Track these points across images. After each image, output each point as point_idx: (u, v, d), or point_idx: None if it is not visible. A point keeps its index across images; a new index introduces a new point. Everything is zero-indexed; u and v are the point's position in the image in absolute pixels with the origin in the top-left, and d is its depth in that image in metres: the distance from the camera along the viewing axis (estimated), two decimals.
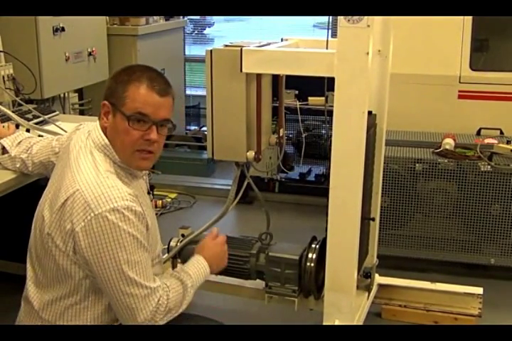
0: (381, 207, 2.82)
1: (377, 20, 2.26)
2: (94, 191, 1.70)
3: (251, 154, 2.38)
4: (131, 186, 1.82)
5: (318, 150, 4.31)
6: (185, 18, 5.70)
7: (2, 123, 2.46)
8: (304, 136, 4.24)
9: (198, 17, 6.72)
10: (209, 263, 2.00)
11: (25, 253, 1.91)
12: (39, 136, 2.45)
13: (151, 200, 2.05)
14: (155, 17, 4.95)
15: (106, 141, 1.82)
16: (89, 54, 4.10)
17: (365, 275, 2.69)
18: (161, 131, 1.83)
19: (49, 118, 2.86)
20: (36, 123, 2.73)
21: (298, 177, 4.47)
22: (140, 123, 1.79)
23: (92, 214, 1.68)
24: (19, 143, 2.22)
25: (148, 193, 2.02)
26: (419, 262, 3.30)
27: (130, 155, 1.81)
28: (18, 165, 2.19)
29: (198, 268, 1.97)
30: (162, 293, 1.79)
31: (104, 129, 1.85)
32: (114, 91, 1.81)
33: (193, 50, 6.40)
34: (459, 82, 3.53)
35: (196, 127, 6.16)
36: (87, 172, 1.75)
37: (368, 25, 2.03)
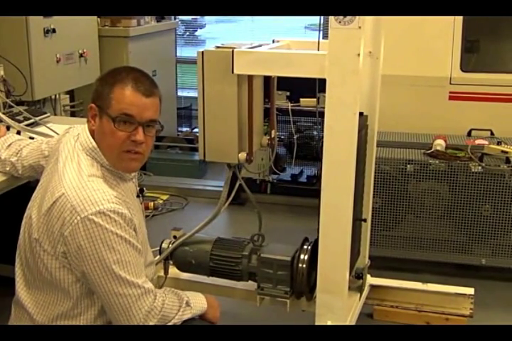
0: (373, 208, 2.82)
1: (368, 21, 2.27)
2: (80, 194, 1.70)
3: (243, 155, 2.38)
4: (119, 189, 1.82)
5: (310, 151, 4.31)
6: (177, 20, 5.70)
7: None
8: (295, 137, 4.25)
9: (189, 18, 6.72)
10: (208, 306, 1.99)
11: (15, 255, 1.91)
12: (30, 138, 2.44)
13: (141, 203, 2.04)
14: (146, 18, 4.94)
15: (94, 144, 1.82)
16: (81, 55, 4.09)
17: (357, 276, 2.69)
18: (148, 132, 1.82)
19: (40, 120, 2.85)
20: (27, 125, 2.72)
21: (290, 179, 4.48)
22: (126, 124, 1.78)
23: (79, 218, 1.68)
24: (9, 145, 2.21)
25: (138, 196, 2.01)
26: (411, 263, 3.31)
27: (117, 157, 1.81)
28: (8, 169, 2.18)
29: (198, 300, 1.96)
30: (158, 296, 1.79)
31: (92, 132, 1.84)
32: (100, 93, 1.81)
33: (185, 52, 6.40)
34: (450, 84, 3.55)
35: (188, 129, 6.16)
36: (72, 176, 1.75)
37: (359, 27, 2.04)
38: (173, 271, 2.64)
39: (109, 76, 1.83)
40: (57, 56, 3.84)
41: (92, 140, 1.83)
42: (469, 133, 3.51)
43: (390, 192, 3.19)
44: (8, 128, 2.52)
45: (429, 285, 2.92)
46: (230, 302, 2.81)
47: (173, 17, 5.56)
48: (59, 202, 1.71)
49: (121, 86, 1.78)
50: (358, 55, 2.06)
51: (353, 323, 2.53)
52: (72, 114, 4.54)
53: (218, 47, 2.36)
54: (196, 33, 7.07)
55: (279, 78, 2.63)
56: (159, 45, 5.28)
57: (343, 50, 2.07)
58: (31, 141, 2.24)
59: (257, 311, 2.79)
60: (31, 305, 1.83)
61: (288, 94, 4.18)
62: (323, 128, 2.18)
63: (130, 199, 1.87)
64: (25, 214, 1.87)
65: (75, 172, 1.76)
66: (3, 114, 2.72)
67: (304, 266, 2.40)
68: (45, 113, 3.04)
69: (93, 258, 1.69)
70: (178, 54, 6.04)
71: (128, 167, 1.85)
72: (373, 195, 2.78)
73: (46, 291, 1.81)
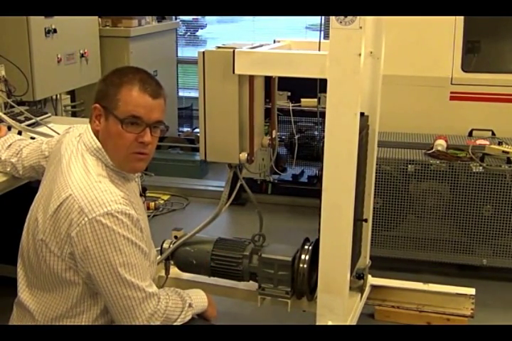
0: (374, 208, 2.82)
1: (369, 21, 2.27)
2: (87, 195, 1.70)
3: (243, 156, 2.38)
4: (124, 189, 1.82)
5: (311, 151, 4.31)
6: (178, 20, 5.71)
7: None
8: (296, 137, 4.25)
9: (190, 18, 6.73)
10: (208, 303, 2.01)
11: (17, 255, 1.91)
12: (31, 138, 2.44)
13: (144, 202, 2.04)
14: (147, 19, 4.95)
15: (98, 144, 1.81)
16: (82, 56, 4.10)
17: (357, 277, 2.69)
18: (154, 133, 1.83)
19: (41, 120, 2.85)
20: (28, 125, 2.72)
21: (291, 179, 4.48)
22: (133, 126, 1.78)
23: (86, 219, 1.67)
24: (9, 146, 2.20)
25: (141, 195, 2.02)
26: (412, 263, 3.31)
27: (124, 158, 1.81)
28: (8, 169, 2.18)
29: (199, 299, 1.97)
30: (162, 298, 1.79)
31: (95, 132, 1.83)
32: (105, 94, 1.80)
33: (186, 52, 6.41)
34: (451, 84, 3.55)
35: (189, 129, 6.16)
36: (79, 177, 1.75)
37: (360, 27, 2.03)
38: (174, 271, 2.65)
39: (115, 76, 1.82)
40: (58, 56, 3.84)
41: (96, 140, 1.82)
42: (470, 134, 3.51)
43: (391, 193, 3.19)
44: (9, 128, 2.51)
45: (430, 285, 2.92)
46: (230, 302, 2.82)
47: (174, 17, 5.57)
48: (66, 203, 1.71)
49: (128, 87, 1.77)
50: (359, 55, 2.06)
51: (354, 323, 2.53)
52: (73, 114, 4.55)
53: (219, 47, 2.36)
54: (197, 33, 7.08)
55: (280, 78, 2.62)
56: (160, 45, 5.28)
57: (344, 50, 2.07)
58: (31, 141, 2.24)
59: (257, 311, 2.79)
60: (33, 306, 1.83)
61: (289, 94, 4.18)
62: (324, 128, 2.18)
63: (134, 199, 1.87)
64: (29, 216, 1.86)
65: (81, 173, 1.76)
66: (5, 114, 2.72)
67: (305, 266, 2.40)
68: (46, 113, 3.04)
69: (99, 259, 1.68)
70: (179, 54, 6.05)
71: (134, 168, 1.85)
72: (374, 195, 2.78)
73: (49, 292, 1.80)
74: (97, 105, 1.82)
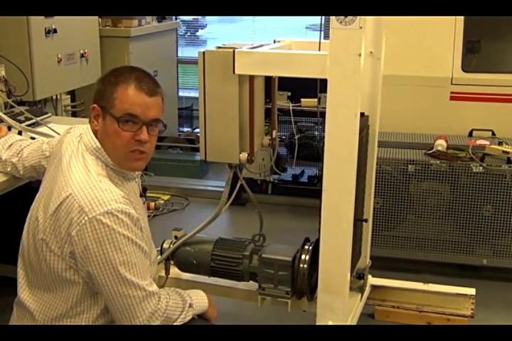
0: (374, 208, 2.82)
1: (369, 21, 2.27)
2: (88, 195, 1.70)
3: (244, 156, 2.38)
4: (123, 188, 1.82)
5: (311, 151, 4.31)
6: (178, 20, 5.71)
7: None
8: (296, 137, 4.25)
9: (190, 19, 6.73)
10: (209, 304, 2.01)
11: (17, 255, 1.91)
12: (31, 138, 2.44)
13: (144, 203, 2.05)
14: (147, 19, 4.95)
15: (97, 144, 1.82)
16: (82, 56, 4.10)
17: (358, 277, 2.69)
18: (152, 131, 1.83)
19: (41, 120, 2.86)
20: (28, 125, 2.72)
21: (291, 179, 4.48)
22: (130, 124, 1.78)
23: (86, 218, 1.68)
24: (10, 146, 2.20)
25: (141, 196, 2.02)
26: (412, 263, 3.31)
27: (123, 157, 1.81)
28: (9, 169, 2.18)
29: (200, 299, 1.97)
30: (162, 298, 1.79)
31: (95, 132, 1.84)
32: (102, 93, 1.81)
33: (186, 52, 6.41)
34: (451, 84, 3.55)
35: (189, 129, 6.16)
36: (79, 176, 1.75)
37: (360, 27, 2.04)
38: (174, 271, 2.65)
39: (112, 76, 1.83)
40: (59, 56, 3.84)
41: (95, 140, 1.83)
42: (470, 134, 3.51)
43: (391, 193, 3.19)
44: (9, 128, 2.52)
45: (431, 285, 2.92)
46: (231, 302, 2.82)
47: (174, 17, 5.57)
48: (66, 203, 1.71)
49: (124, 86, 1.78)
50: (359, 55, 2.06)
51: (354, 323, 2.53)
52: (73, 114, 4.55)
53: (219, 47, 2.36)
54: (197, 33, 7.08)
55: (280, 78, 2.62)
56: (160, 45, 5.28)
57: (344, 51, 2.07)
58: (32, 141, 2.24)
59: (258, 311, 2.79)
60: (33, 305, 1.83)
61: (289, 94, 4.18)
62: (324, 128, 2.18)
63: (134, 199, 1.87)
64: (29, 215, 1.87)
65: (82, 173, 1.76)
66: (5, 114, 2.73)
67: (305, 266, 2.40)
68: (46, 113, 3.04)
69: (100, 258, 1.69)
70: (179, 54, 6.05)
71: (133, 166, 1.86)
72: (374, 195, 2.78)
73: (49, 291, 1.81)
74: (95, 105, 1.83)
